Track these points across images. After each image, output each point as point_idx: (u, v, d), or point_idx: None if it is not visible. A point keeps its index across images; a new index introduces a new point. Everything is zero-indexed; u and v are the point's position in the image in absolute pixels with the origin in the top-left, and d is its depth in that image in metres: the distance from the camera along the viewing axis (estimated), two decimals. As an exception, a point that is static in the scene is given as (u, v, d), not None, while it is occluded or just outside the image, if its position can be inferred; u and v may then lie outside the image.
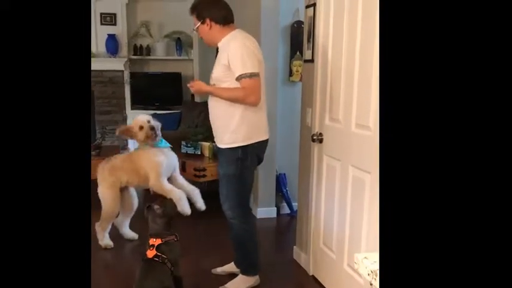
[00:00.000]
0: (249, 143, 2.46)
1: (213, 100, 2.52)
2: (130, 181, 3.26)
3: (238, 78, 2.35)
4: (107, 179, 3.25)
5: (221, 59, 2.43)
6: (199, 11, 2.49)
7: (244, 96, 2.37)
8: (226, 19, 2.47)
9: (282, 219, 4.11)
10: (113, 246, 3.36)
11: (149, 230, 2.43)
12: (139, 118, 3.15)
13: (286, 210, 4.19)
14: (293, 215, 4.02)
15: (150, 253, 2.30)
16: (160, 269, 2.27)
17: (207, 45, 2.66)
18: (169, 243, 2.37)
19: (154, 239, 2.34)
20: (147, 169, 3.10)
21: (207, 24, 2.47)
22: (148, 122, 3.10)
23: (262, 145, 2.56)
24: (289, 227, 3.90)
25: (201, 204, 3.09)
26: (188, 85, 2.61)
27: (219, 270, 2.93)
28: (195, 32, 2.62)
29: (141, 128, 3.08)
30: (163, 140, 3.18)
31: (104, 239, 3.37)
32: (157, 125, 3.12)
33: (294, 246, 3.24)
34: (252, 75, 2.34)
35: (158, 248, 2.31)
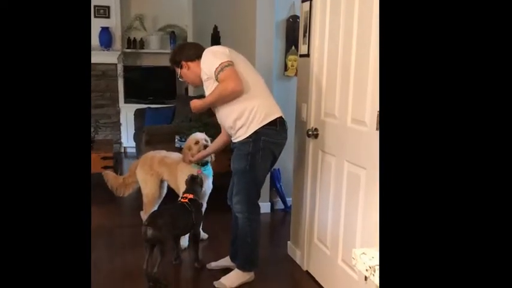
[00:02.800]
0: (261, 125, 2.48)
1: (216, 112, 2.63)
2: (168, 180, 3.46)
3: (216, 78, 2.45)
4: (153, 168, 3.44)
5: (203, 78, 2.58)
6: (174, 60, 2.75)
7: (223, 87, 2.43)
8: (197, 54, 2.65)
9: (276, 214, 4.11)
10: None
11: (185, 190, 2.94)
12: (197, 135, 3.29)
13: (280, 205, 4.19)
14: (287, 210, 4.03)
15: (183, 200, 2.84)
16: (188, 213, 2.78)
17: (194, 87, 2.83)
18: (197, 203, 2.88)
19: (188, 194, 2.86)
20: (180, 183, 3.26)
21: (185, 66, 2.70)
22: (206, 141, 3.24)
23: (277, 140, 2.54)
24: (283, 222, 3.90)
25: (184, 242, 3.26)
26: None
27: (213, 264, 2.93)
28: (181, 80, 2.83)
29: (196, 142, 3.21)
30: (210, 168, 3.32)
31: None
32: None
33: (288, 242, 3.25)
34: (224, 67, 2.41)
35: (190, 200, 2.82)
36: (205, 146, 3.18)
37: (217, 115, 2.66)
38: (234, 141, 2.62)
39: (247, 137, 2.51)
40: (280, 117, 2.56)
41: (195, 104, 2.63)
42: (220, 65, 2.41)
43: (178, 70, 2.74)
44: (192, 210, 2.80)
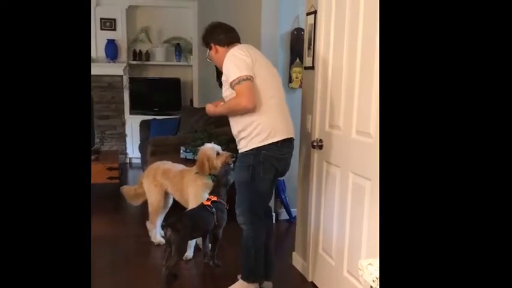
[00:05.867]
0: (261, 145, 2.46)
1: (229, 118, 2.62)
2: (173, 193, 3.48)
3: (232, 87, 2.44)
4: (157, 179, 3.48)
5: (223, 77, 2.54)
6: (205, 40, 2.71)
7: (236, 103, 2.42)
8: (227, 41, 2.61)
9: (281, 225, 4.10)
10: (164, 242, 3.44)
11: (210, 192, 3.05)
12: (210, 146, 3.24)
13: (284, 216, 4.19)
14: (291, 221, 4.03)
15: (206, 202, 2.95)
16: (208, 215, 2.90)
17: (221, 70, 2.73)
18: (221, 205, 2.98)
19: (213, 196, 2.97)
20: (189, 196, 3.27)
21: (213, 49, 2.65)
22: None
23: (278, 155, 2.51)
24: (287, 233, 3.90)
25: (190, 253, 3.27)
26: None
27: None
28: (209, 61, 2.78)
29: (218, 154, 3.19)
30: None
31: (157, 236, 3.53)
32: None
33: (293, 252, 3.24)
34: (241, 81, 2.38)
35: (213, 202, 2.93)
36: (217, 153, 3.18)
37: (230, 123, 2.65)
38: (239, 152, 2.62)
39: (248, 150, 2.51)
40: (284, 139, 2.51)
41: (209, 109, 2.65)
42: (238, 78, 2.38)
43: (207, 50, 2.71)
44: (213, 212, 2.91)
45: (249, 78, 2.39)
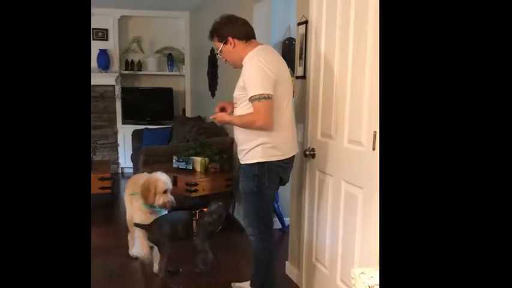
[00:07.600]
0: (266, 160, 2.44)
1: (235, 126, 2.57)
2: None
3: (250, 100, 2.36)
4: (129, 187, 3.36)
5: (239, 80, 2.45)
6: (219, 32, 2.50)
7: (253, 120, 2.36)
8: (247, 34, 2.48)
9: (274, 234, 4.09)
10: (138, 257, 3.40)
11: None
12: (164, 180, 3.09)
13: (277, 225, 4.18)
14: (285, 230, 4.02)
15: (196, 210, 2.93)
16: (188, 218, 2.90)
17: (234, 68, 2.60)
18: (205, 216, 2.87)
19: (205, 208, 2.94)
20: (133, 212, 3.21)
21: (230, 43, 2.46)
22: (164, 182, 3.09)
23: (282, 164, 2.50)
24: (281, 242, 3.89)
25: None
26: (211, 117, 2.63)
27: (237, 285, 2.91)
28: (219, 56, 2.60)
29: (165, 192, 3.06)
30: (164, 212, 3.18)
31: (132, 249, 3.42)
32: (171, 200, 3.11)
33: (286, 262, 3.24)
34: (262, 98, 2.30)
35: (200, 212, 2.89)
36: (165, 191, 3.05)
37: (234, 131, 2.61)
38: (241, 162, 2.57)
39: (253, 163, 2.47)
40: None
41: (222, 117, 2.55)
42: (260, 94, 2.30)
43: (219, 44, 2.50)
44: (193, 219, 2.90)
45: (270, 97, 2.33)
